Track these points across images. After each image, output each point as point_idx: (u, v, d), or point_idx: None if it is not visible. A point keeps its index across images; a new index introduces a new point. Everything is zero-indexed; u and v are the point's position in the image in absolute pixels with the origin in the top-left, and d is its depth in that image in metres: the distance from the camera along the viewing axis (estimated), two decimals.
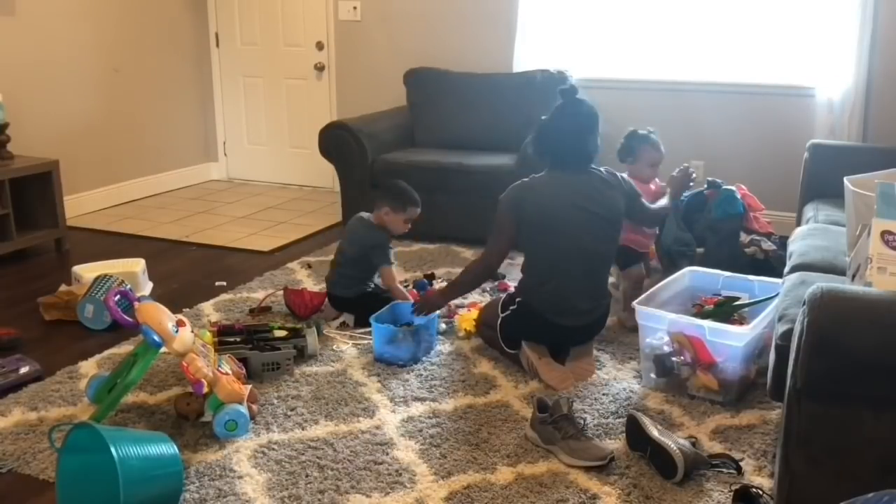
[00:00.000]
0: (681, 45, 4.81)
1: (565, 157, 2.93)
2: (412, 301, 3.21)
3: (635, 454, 2.40)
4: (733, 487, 2.20)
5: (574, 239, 2.86)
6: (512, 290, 3.23)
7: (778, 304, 2.36)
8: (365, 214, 3.46)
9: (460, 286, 3.17)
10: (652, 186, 3.55)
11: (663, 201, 3.31)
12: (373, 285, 3.42)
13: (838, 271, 2.52)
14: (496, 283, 3.75)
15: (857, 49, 4.30)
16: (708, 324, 2.71)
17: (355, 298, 3.34)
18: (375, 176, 4.54)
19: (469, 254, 4.31)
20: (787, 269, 2.74)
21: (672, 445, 2.29)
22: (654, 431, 2.36)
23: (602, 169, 3.00)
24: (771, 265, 3.57)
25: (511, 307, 2.97)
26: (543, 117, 3.02)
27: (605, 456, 2.33)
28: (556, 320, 2.88)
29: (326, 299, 3.44)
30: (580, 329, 2.98)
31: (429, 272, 3.86)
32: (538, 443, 2.44)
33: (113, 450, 1.98)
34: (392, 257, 3.37)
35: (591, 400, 2.74)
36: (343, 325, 3.35)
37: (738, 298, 3.02)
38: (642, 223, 3.34)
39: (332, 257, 3.51)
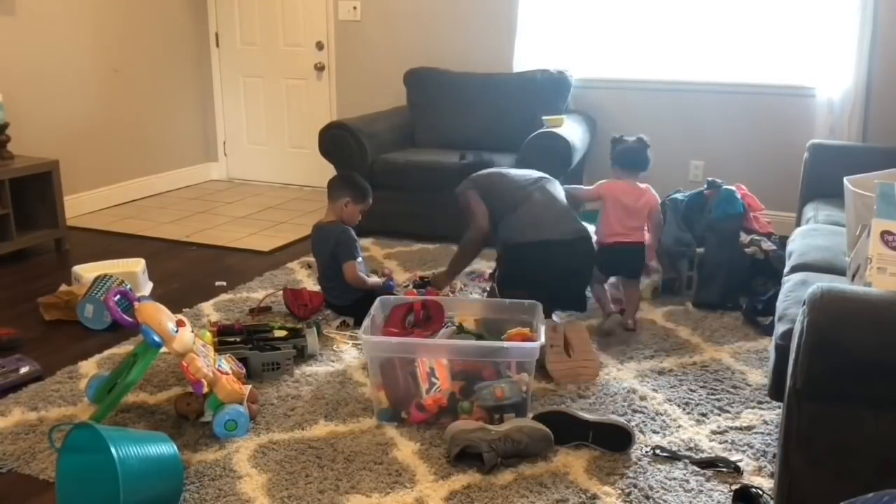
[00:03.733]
0: (681, 45, 4.81)
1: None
2: (387, 285, 3.44)
3: (570, 445, 2.44)
4: (733, 487, 2.20)
5: (527, 179, 3.36)
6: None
7: (778, 303, 2.36)
8: (321, 221, 3.43)
9: (462, 258, 3.49)
10: (641, 185, 3.49)
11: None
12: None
13: (838, 271, 2.52)
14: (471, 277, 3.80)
15: (857, 49, 4.31)
16: None
17: (352, 304, 3.34)
18: (375, 176, 4.53)
19: None
20: (787, 269, 2.74)
21: (615, 418, 2.47)
22: (589, 416, 2.47)
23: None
24: (771, 265, 3.57)
25: (500, 267, 3.26)
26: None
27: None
28: (539, 236, 3.10)
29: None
30: (564, 248, 3.09)
31: (425, 275, 3.85)
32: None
33: (113, 450, 1.98)
34: (357, 251, 3.33)
35: (591, 400, 2.74)
36: (343, 325, 3.35)
37: None
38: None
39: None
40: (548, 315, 3.03)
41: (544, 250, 3.08)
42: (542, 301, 2.91)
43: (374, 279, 3.44)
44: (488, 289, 3.50)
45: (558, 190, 3.39)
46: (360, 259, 3.36)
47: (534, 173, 3.44)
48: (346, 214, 3.37)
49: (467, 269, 4.06)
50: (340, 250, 3.30)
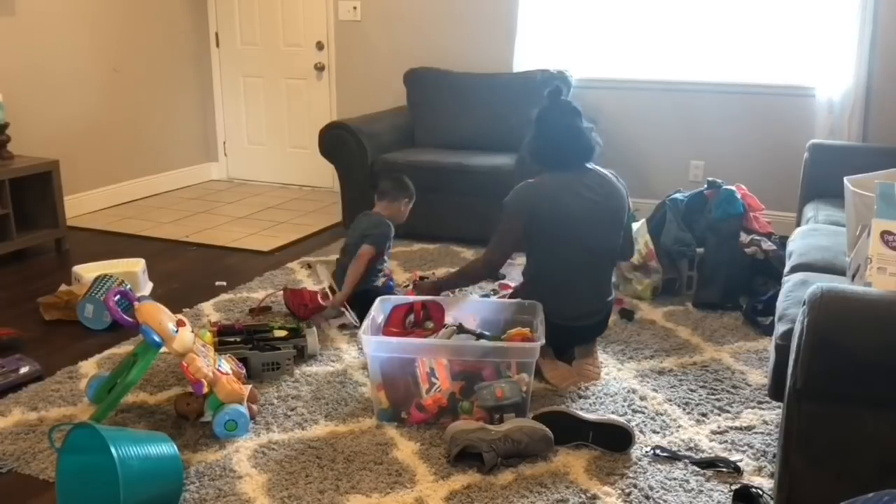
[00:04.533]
0: (681, 45, 4.81)
1: (566, 157, 2.90)
2: (387, 285, 3.41)
3: (570, 445, 2.44)
4: (733, 487, 2.21)
5: (585, 236, 2.84)
6: (512, 288, 3.25)
7: (778, 303, 2.36)
8: (371, 211, 3.52)
9: (459, 278, 3.20)
10: None
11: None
12: (379, 282, 3.43)
13: (838, 271, 2.52)
14: (497, 284, 3.75)
15: (857, 49, 4.31)
16: None
17: (358, 293, 3.34)
18: (375, 176, 4.53)
19: (469, 254, 4.31)
20: (787, 269, 2.74)
21: (615, 417, 2.46)
22: (589, 416, 2.47)
23: (608, 172, 2.98)
24: (771, 265, 3.57)
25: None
26: (533, 120, 2.99)
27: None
28: (563, 322, 2.85)
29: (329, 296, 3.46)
30: (586, 329, 2.98)
31: (425, 275, 3.85)
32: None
33: (113, 450, 1.98)
34: (385, 247, 3.39)
35: (591, 400, 2.74)
36: (342, 327, 3.35)
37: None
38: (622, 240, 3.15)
39: (332, 258, 3.52)
40: (559, 357, 2.94)
41: (566, 332, 2.89)
42: (559, 341, 2.87)
43: (358, 272, 3.34)
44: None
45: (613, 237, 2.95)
46: (386, 261, 3.46)
47: (592, 210, 2.85)
48: (402, 214, 3.49)
49: None
50: (374, 235, 3.35)
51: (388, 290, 3.45)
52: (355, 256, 3.33)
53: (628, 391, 2.80)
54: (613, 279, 3.41)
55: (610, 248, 2.95)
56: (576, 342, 2.99)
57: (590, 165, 2.94)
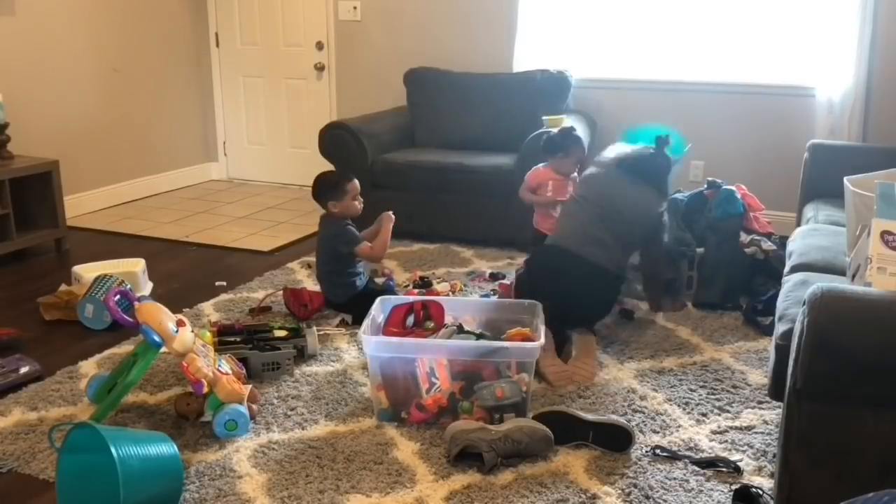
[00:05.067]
0: (681, 45, 4.81)
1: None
2: (387, 285, 3.50)
3: (570, 445, 2.44)
4: (733, 487, 2.21)
5: (594, 195, 3.17)
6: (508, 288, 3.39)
7: (778, 303, 2.36)
8: (326, 216, 3.46)
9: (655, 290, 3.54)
10: (571, 183, 3.65)
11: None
12: (360, 283, 3.43)
13: (838, 271, 2.52)
14: (497, 284, 3.75)
15: (857, 49, 4.31)
16: None
17: (348, 301, 3.36)
18: (375, 176, 4.54)
19: (469, 253, 4.31)
20: (787, 269, 2.74)
21: (615, 417, 2.47)
22: (589, 416, 2.47)
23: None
24: (771, 265, 3.57)
25: (526, 263, 3.25)
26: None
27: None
28: (562, 250, 3.04)
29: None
30: (583, 269, 3.01)
31: (425, 275, 3.85)
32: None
33: (113, 450, 1.98)
34: (357, 237, 3.37)
35: (591, 400, 2.74)
36: (342, 323, 3.35)
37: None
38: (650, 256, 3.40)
39: None
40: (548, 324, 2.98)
41: (563, 282, 2.98)
42: (552, 313, 2.88)
43: (384, 239, 3.39)
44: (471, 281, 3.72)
45: (628, 204, 3.17)
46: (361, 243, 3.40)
47: (614, 166, 3.25)
48: (342, 210, 3.37)
49: (467, 269, 4.06)
50: (340, 241, 3.34)
51: (388, 290, 3.45)
52: (366, 255, 3.38)
53: (628, 391, 2.80)
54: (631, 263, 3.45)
55: (621, 217, 3.12)
56: (573, 306, 3.01)
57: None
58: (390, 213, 3.44)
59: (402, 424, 2.57)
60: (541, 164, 3.73)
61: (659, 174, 3.26)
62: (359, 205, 3.40)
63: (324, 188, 3.41)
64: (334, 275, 3.41)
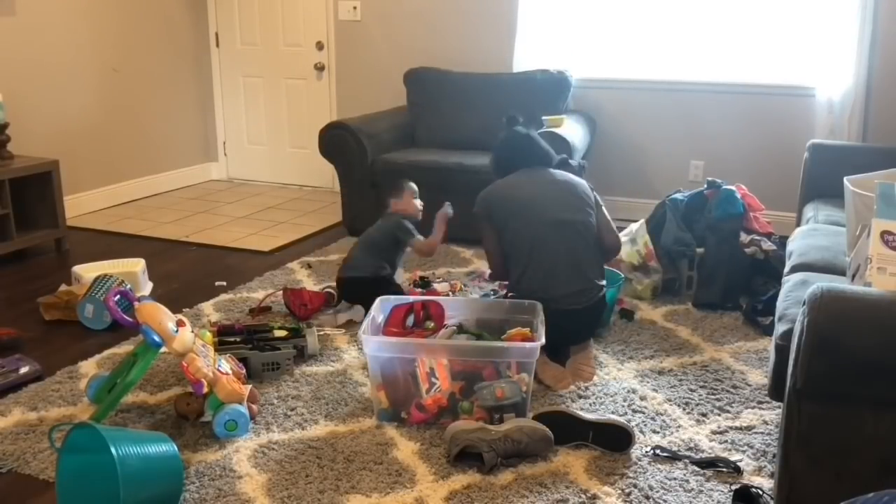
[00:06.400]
0: (681, 45, 4.81)
1: (518, 163, 3.15)
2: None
3: (570, 445, 2.44)
4: (733, 487, 2.21)
5: (545, 208, 2.97)
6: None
7: (778, 303, 2.36)
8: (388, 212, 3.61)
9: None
10: None
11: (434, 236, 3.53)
12: (391, 272, 3.48)
13: (838, 271, 2.52)
14: (497, 284, 3.75)
15: (857, 49, 4.31)
16: None
17: (371, 279, 3.34)
18: (375, 176, 4.54)
19: (469, 254, 4.31)
20: (787, 269, 2.74)
21: (615, 418, 2.46)
22: (589, 416, 2.47)
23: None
24: (771, 265, 3.57)
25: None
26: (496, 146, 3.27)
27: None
28: (547, 304, 2.82)
29: (332, 295, 3.50)
30: (573, 316, 2.91)
31: (425, 274, 3.85)
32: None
33: (113, 450, 1.98)
34: (415, 232, 3.52)
35: (591, 400, 2.74)
36: (349, 323, 3.35)
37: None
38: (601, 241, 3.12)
39: (332, 257, 3.52)
40: (554, 358, 2.92)
41: (554, 319, 2.78)
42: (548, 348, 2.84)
43: (433, 236, 3.53)
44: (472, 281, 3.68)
45: (580, 207, 3.01)
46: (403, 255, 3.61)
47: (549, 195, 3.01)
48: (401, 209, 3.56)
49: (467, 269, 4.07)
50: (402, 232, 3.47)
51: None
52: (421, 250, 3.51)
53: (628, 391, 2.80)
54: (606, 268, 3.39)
55: (580, 222, 2.98)
56: (566, 335, 2.95)
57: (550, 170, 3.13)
58: (447, 209, 3.53)
59: (402, 424, 2.57)
60: None
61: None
62: (418, 204, 3.61)
63: (387, 188, 3.68)
64: (370, 262, 3.42)
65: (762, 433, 2.53)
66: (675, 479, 2.29)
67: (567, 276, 2.91)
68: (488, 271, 3.93)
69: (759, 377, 2.90)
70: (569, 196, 3.01)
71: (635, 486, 2.26)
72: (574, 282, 2.92)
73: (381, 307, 2.90)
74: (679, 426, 2.58)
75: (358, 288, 3.38)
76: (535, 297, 2.86)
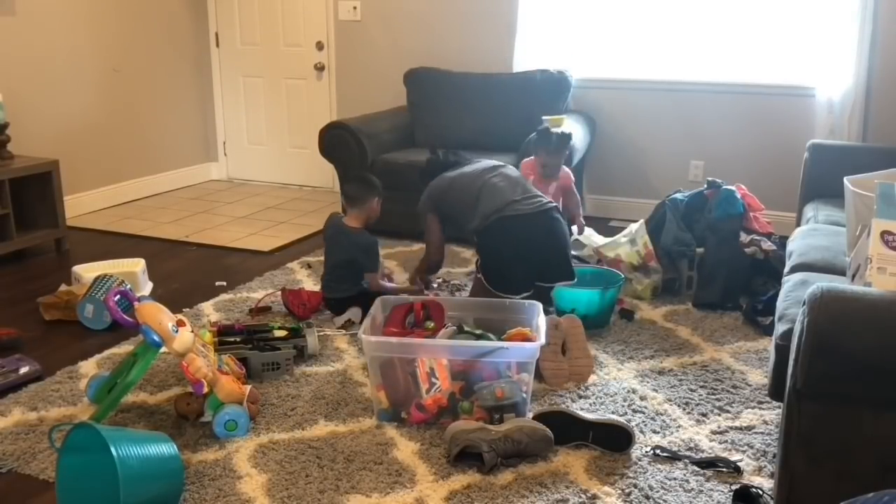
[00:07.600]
0: (681, 45, 4.81)
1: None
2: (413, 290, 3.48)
3: (570, 445, 2.44)
4: (733, 487, 2.21)
5: (483, 165, 3.37)
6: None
7: (778, 303, 2.36)
8: (340, 220, 3.46)
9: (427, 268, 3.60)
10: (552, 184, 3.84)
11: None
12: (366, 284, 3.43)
13: (838, 271, 2.52)
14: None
15: (857, 49, 4.31)
16: None
17: (357, 295, 3.34)
18: (375, 176, 4.51)
19: (468, 254, 4.30)
20: (787, 269, 2.74)
21: (615, 418, 2.47)
22: (589, 416, 2.47)
23: None
24: (771, 265, 3.57)
25: (480, 256, 3.23)
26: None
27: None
28: (505, 213, 3.06)
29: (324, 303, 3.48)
30: (532, 219, 3.08)
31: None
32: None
33: (113, 450, 1.98)
34: (380, 262, 3.46)
35: (591, 400, 2.74)
36: (348, 323, 3.35)
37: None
38: None
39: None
40: (547, 302, 3.00)
41: (514, 225, 3.06)
42: (531, 278, 2.95)
43: (393, 284, 3.54)
44: (472, 281, 3.62)
45: (516, 173, 3.40)
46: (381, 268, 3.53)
47: (488, 162, 3.42)
48: (373, 213, 3.47)
49: (466, 269, 4.07)
50: (367, 261, 3.36)
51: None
52: (376, 287, 3.37)
53: (628, 391, 2.80)
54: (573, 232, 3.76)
55: (511, 165, 3.42)
56: (536, 251, 3.08)
57: None
58: (434, 297, 3.32)
59: (402, 424, 2.57)
60: (530, 157, 3.90)
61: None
62: (377, 213, 3.51)
63: (372, 183, 3.56)
64: (347, 278, 3.37)
65: (762, 433, 2.53)
66: (675, 479, 2.29)
67: (518, 192, 3.17)
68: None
69: (759, 377, 2.90)
70: (509, 167, 3.41)
71: (635, 486, 2.26)
72: (527, 194, 3.17)
73: (381, 307, 2.90)
74: (679, 426, 2.58)
75: (343, 304, 3.39)
76: (496, 217, 3.06)
